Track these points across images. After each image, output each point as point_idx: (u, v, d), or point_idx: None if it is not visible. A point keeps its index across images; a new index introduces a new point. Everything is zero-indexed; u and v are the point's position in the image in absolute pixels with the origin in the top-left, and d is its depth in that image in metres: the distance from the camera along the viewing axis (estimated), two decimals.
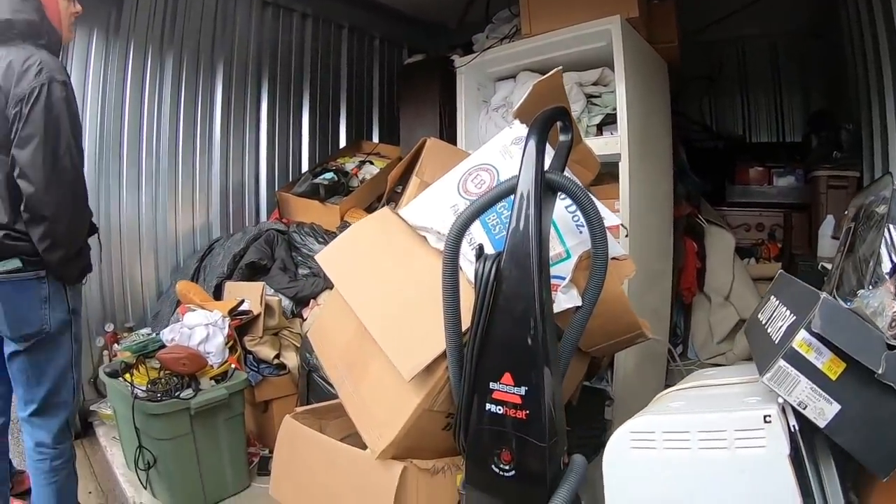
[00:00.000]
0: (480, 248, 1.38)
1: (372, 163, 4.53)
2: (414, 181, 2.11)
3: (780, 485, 1.20)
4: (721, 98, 5.20)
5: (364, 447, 1.75)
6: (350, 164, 4.51)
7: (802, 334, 1.24)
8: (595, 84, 3.06)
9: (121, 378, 2.52)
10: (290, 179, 4.62)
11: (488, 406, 1.33)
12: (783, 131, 5.01)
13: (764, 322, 1.59)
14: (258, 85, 4.54)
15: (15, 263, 2.03)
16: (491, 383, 1.32)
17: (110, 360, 3.30)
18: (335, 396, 2.20)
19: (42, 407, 2.17)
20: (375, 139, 5.28)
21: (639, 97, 2.84)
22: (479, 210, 1.41)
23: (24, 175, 1.96)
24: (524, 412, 1.29)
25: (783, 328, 1.38)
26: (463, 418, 1.41)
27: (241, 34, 4.35)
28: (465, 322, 1.42)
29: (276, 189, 4.55)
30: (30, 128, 1.96)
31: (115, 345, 3.33)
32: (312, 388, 2.78)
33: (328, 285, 3.27)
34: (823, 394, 1.22)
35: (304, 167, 4.80)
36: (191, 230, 4.19)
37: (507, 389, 1.30)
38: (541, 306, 1.26)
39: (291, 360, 3.07)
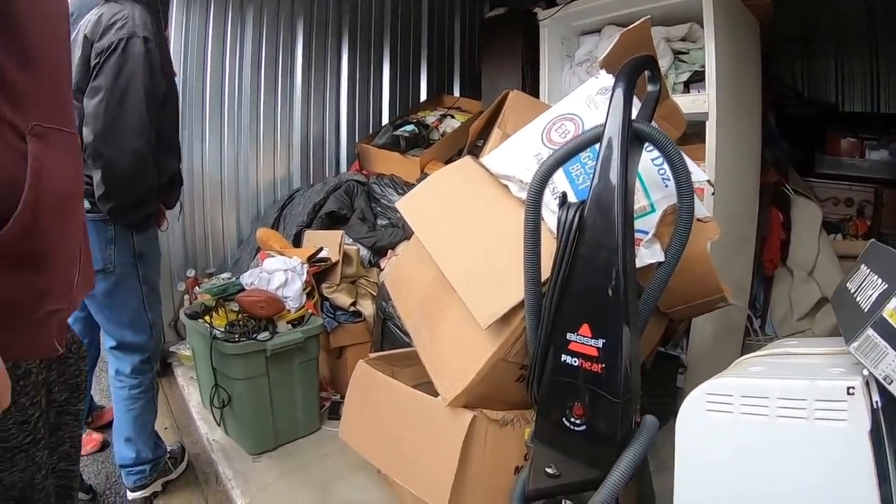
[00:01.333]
0: (564, 196, 1.35)
1: (453, 116, 4.48)
2: (496, 133, 2.07)
3: (858, 463, 1.13)
4: (813, 62, 4.88)
5: (435, 396, 1.76)
6: (431, 118, 4.48)
7: (894, 302, 1.16)
8: (683, 40, 2.95)
9: (200, 319, 2.59)
10: (371, 132, 4.62)
11: (564, 357, 1.32)
12: (878, 101, 4.63)
13: (853, 291, 1.50)
14: (339, 38, 4.55)
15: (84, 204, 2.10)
16: (568, 334, 1.30)
17: (191, 304, 3.41)
18: (409, 345, 2.21)
19: (119, 344, 2.30)
20: (456, 93, 5.23)
21: (728, 55, 2.72)
22: (562, 158, 1.38)
23: (87, 123, 2.00)
24: (600, 366, 1.27)
25: (873, 297, 1.29)
26: (537, 369, 1.40)
27: None
28: (545, 272, 1.40)
29: (357, 141, 4.58)
30: (100, 79, 1.99)
31: (197, 288, 3.43)
32: (387, 336, 2.80)
33: (406, 236, 3.28)
34: None
35: (385, 120, 4.81)
36: (272, 181, 4.28)
37: (584, 341, 1.28)
38: (623, 257, 1.23)
39: (367, 308, 3.09)
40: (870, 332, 1.17)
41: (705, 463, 1.31)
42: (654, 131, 1.32)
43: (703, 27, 2.69)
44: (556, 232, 1.39)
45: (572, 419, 1.32)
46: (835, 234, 3.91)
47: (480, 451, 1.69)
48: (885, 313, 1.16)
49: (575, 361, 1.29)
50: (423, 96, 5.11)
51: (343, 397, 2.87)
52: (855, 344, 1.19)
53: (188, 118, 3.72)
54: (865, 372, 1.18)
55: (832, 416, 1.17)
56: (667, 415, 1.43)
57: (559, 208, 1.33)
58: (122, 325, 2.27)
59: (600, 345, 1.25)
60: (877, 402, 1.17)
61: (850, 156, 4.17)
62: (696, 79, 2.85)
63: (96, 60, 2.00)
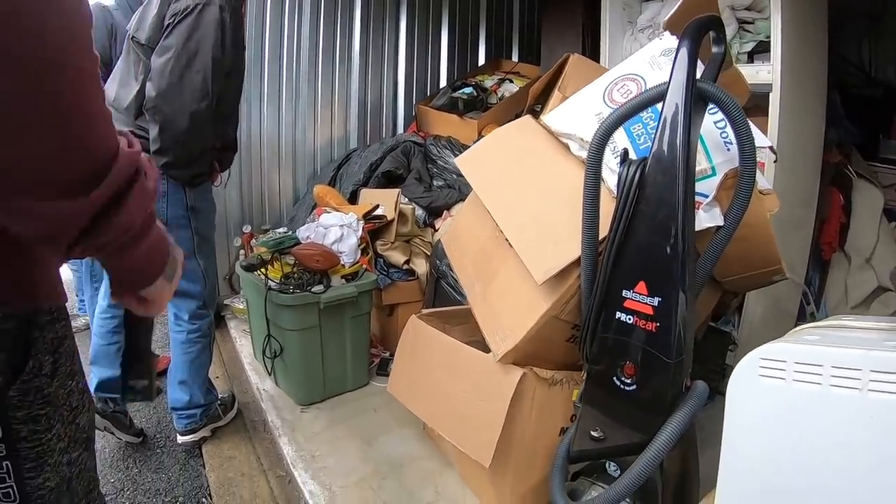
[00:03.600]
0: (625, 153, 1.35)
1: (511, 81, 4.45)
2: (556, 96, 2.06)
3: None
4: (881, 41, 4.69)
5: (486, 353, 1.78)
6: (489, 81, 4.45)
7: None
8: (748, 9, 2.87)
9: (256, 272, 2.63)
10: (428, 95, 4.64)
11: (618, 315, 1.32)
12: None
13: None
14: (397, 1, 4.56)
15: None
16: (624, 291, 1.31)
17: (246, 258, 3.48)
18: (461, 304, 2.22)
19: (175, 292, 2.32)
20: (514, 58, 5.19)
21: (795, 27, 2.63)
22: (624, 115, 1.37)
23: (151, 79, 2.04)
24: (654, 324, 1.27)
25: None
26: (590, 325, 1.41)
27: None
28: (603, 231, 1.40)
29: (414, 103, 4.59)
30: (171, 39, 2.02)
31: (253, 241, 3.49)
32: (439, 294, 2.82)
33: (462, 198, 3.28)
34: None
35: (442, 83, 4.81)
36: (329, 141, 4.32)
37: (640, 299, 1.28)
38: (683, 215, 1.23)
39: (420, 267, 3.12)
40: None
41: (755, 428, 1.29)
42: (719, 91, 1.31)
43: None
44: (616, 191, 1.39)
45: (623, 378, 1.33)
46: (894, 223, 3.78)
47: (527, 410, 1.71)
48: None
49: (629, 319, 1.30)
50: (481, 60, 5.08)
51: (392, 355, 2.91)
52: None
53: (247, 79, 3.70)
54: None
55: (886, 389, 1.13)
56: (714, 392, 1.41)
57: (620, 165, 1.33)
58: None
59: (656, 303, 1.26)
60: None
61: None
62: (761, 49, 2.78)
63: (170, 20, 2.03)
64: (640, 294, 1.28)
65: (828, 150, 3.38)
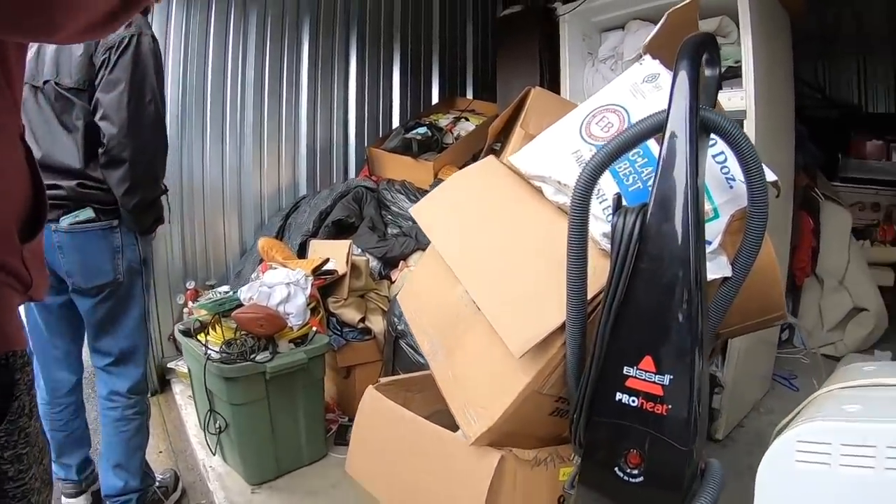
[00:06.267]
0: (618, 199, 1.12)
1: (467, 119, 4.36)
2: (518, 132, 1.87)
3: None
4: (835, 62, 4.86)
5: (454, 426, 1.57)
6: (444, 120, 4.34)
7: None
8: (713, 34, 2.76)
9: (194, 338, 2.44)
10: (380, 136, 4.51)
11: (618, 396, 1.08)
12: None
13: None
14: (346, 40, 4.43)
15: (88, 213, 2.05)
16: (625, 368, 1.07)
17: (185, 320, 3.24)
18: (423, 366, 2.01)
19: (120, 358, 2.21)
20: (469, 95, 5.11)
21: (764, 51, 2.57)
22: (616, 151, 1.13)
23: (107, 117, 1.97)
24: (665, 407, 1.03)
25: None
26: (584, 408, 1.17)
27: None
28: (590, 291, 1.18)
29: (365, 146, 4.46)
30: (117, 72, 1.97)
31: (190, 303, 3.27)
32: (398, 355, 2.67)
33: (420, 246, 3.14)
34: None
35: (395, 124, 4.69)
36: (276, 188, 4.15)
37: (645, 377, 1.04)
38: (696, 274, 1.00)
39: (377, 324, 2.95)
40: None
41: None
42: (726, 121, 1.11)
43: (733, 20, 2.60)
44: (602, 242, 1.18)
45: (627, 469, 1.10)
46: (862, 241, 3.88)
47: (509, 495, 1.48)
48: None
49: (633, 401, 1.06)
50: (435, 99, 4.99)
51: (351, 419, 2.67)
52: None
53: (188, 123, 3.61)
54: None
55: None
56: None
57: (614, 213, 1.11)
58: (124, 336, 2.20)
59: (666, 382, 1.02)
60: None
61: (877, 158, 4.12)
62: (728, 75, 2.68)
63: (105, 56, 1.98)
64: (647, 371, 1.04)
65: (795, 174, 3.36)
